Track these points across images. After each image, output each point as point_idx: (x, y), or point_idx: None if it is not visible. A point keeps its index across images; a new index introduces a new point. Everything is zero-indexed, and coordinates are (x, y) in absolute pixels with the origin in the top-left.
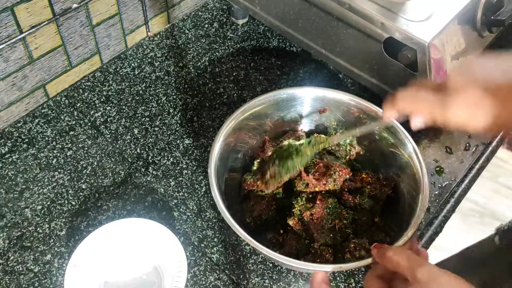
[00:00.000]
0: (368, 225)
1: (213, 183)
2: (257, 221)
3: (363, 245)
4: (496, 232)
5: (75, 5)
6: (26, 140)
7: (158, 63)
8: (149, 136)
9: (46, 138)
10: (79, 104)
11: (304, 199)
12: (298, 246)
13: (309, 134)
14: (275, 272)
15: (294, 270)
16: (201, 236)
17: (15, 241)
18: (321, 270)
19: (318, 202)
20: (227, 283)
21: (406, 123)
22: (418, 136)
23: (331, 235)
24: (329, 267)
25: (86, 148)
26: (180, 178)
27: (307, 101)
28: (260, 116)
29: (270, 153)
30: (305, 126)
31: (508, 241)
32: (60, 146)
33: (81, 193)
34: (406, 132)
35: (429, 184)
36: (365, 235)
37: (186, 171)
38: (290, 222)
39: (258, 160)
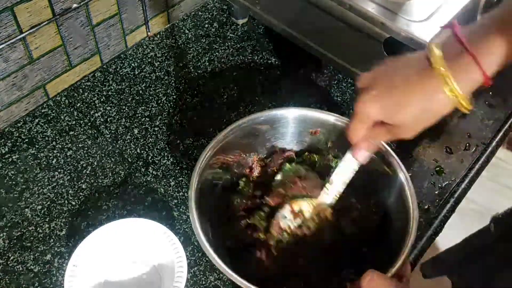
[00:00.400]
0: (354, 254)
1: (193, 210)
2: (240, 244)
3: (350, 277)
4: (491, 220)
5: (75, 5)
6: (26, 140)
7: (158, 63)
8: (149, 136)
9: (46, 138)
10: (79, 104)
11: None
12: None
13: (300, 154)
14: None
15: None
16: None
17: (15, 241)
18: None
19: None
20: (227, 283)
21: (397, 149)
22: (417, 136)
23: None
24: None
25: (86, 148)
26: (180, 178)
27: (292, 121)
28: (248, 135)
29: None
30: (296, 146)
31: (501, 229)
32: (60, 146)
33: (81, 193)
34: (398, 159)
35: (418, 217)
36: (351, 265)
37: (186, 171)
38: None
39: (244, 180)
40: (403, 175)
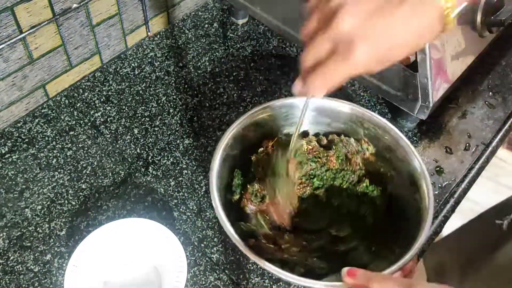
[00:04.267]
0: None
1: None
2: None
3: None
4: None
5: (75, 5)
6: (26, 140)
7: (158, 63)
8: (149, 136)
9: (46, 138)
10: (79, 104)
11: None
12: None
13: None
14: None
15: None
16: (201, 236)
17: (15, 241)
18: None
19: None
20: (227, 283)
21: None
22: (418, 136)
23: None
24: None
25: (86, 148)
26: (180, 178)
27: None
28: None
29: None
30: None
31: None
32: (60, 146)
33: (81, 193)
34: (413, 148)
35: (433, 212)
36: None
37: (186, 171)
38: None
39: (254, 157)
40: (417, 163)
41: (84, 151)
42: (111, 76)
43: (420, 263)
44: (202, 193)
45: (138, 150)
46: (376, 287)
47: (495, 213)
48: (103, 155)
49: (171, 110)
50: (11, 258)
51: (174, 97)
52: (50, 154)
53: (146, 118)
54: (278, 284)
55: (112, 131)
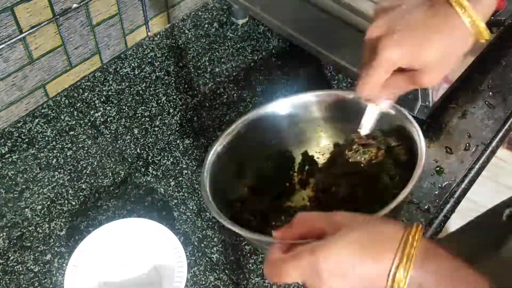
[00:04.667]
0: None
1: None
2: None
3: None
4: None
5: (75, 5)
6: (26, 140)
7: (158, 63)
8: (149, 136)
9: (46, 138)
10: (79, 104)
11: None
12: None
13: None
14: None
15: None
16: (201, 236)
17: (15, 241)
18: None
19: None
20: (227, 283)
21: None
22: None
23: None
24: None
25: (86, 148)
26: (180, 178)
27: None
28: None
29: None
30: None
31: None
32: (60, 146)
33: (81, 193)
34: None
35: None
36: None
37: (186, 171)
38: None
39: None
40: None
41: (84, 151)
42: (111, 76)
43: None
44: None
45: (138, 150)
46: (303, 218)
47: (499, 208)
48: (103, 155)
49: (171, 110)
50: (11, 258)
51: (174, 97)
52: (50, 154)
53: (146, 118)
54: (278, 284)
55: (112, 131)
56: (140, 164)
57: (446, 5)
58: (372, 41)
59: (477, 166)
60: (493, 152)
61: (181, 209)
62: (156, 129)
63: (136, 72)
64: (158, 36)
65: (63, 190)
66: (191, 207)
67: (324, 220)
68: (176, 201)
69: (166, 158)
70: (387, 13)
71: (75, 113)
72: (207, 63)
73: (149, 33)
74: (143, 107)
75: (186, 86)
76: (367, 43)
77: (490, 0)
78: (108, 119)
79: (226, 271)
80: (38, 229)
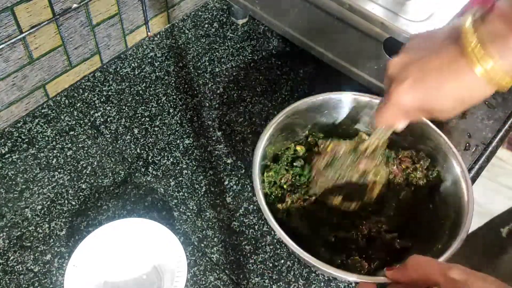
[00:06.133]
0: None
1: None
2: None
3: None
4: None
5: (75, 5)
6: (26, 140)
7: (158, 63)
8: (149, 136)
9: (46, 138)
10: (79, 104)
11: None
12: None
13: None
14: (275, 272)
15: (294, 270)
16: (201, 236)
17: (15, 241)
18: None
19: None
20: (227, 283)
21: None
22: None
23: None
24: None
25: (86, 148)
26: (180, 178)
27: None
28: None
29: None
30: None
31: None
32: (60, 146)
33: (81, 193)
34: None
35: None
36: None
37: (186, 171)
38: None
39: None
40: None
41: (84, 151)
42: (111, 76)
43: None
44: (202, 193)
45: (138, 150)
46: (417, 262)
47: (499, 221)
48: (103, 155)
49: (171, 110)
50: (11, 258)
51: (174, 97)
52: (50, 154)
53: (146, 118)
54: (278, 284)
55: (112, 131)
56: (140, 164)
57: (462, 51)
58: (390, 76)
59: (477, 166)
60: (493, 152)
61: (181, 209)
62: (156, 129)
63: (136, 72)
64: (158, 36)
65: (63, 190)
66: (191, 207)
67: (438, 272)
68: (176, 201)
69: (166, 158)
70: (408, 50)
71: (75, 113)
72: (207, 63)
73: (149, 33)
74: (143, 107)
75: (186, 86)
76: (388, 75)
77: None
78: (108, 119)
79: (226, 271)
80: (38, 229)
